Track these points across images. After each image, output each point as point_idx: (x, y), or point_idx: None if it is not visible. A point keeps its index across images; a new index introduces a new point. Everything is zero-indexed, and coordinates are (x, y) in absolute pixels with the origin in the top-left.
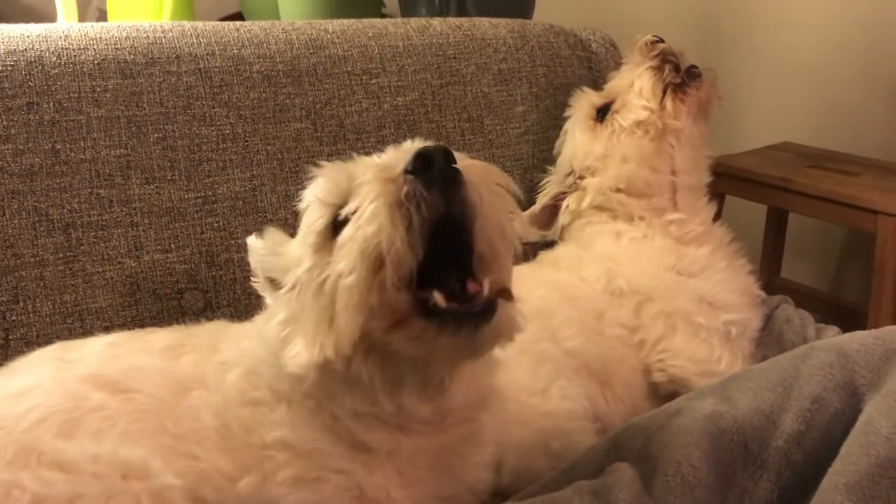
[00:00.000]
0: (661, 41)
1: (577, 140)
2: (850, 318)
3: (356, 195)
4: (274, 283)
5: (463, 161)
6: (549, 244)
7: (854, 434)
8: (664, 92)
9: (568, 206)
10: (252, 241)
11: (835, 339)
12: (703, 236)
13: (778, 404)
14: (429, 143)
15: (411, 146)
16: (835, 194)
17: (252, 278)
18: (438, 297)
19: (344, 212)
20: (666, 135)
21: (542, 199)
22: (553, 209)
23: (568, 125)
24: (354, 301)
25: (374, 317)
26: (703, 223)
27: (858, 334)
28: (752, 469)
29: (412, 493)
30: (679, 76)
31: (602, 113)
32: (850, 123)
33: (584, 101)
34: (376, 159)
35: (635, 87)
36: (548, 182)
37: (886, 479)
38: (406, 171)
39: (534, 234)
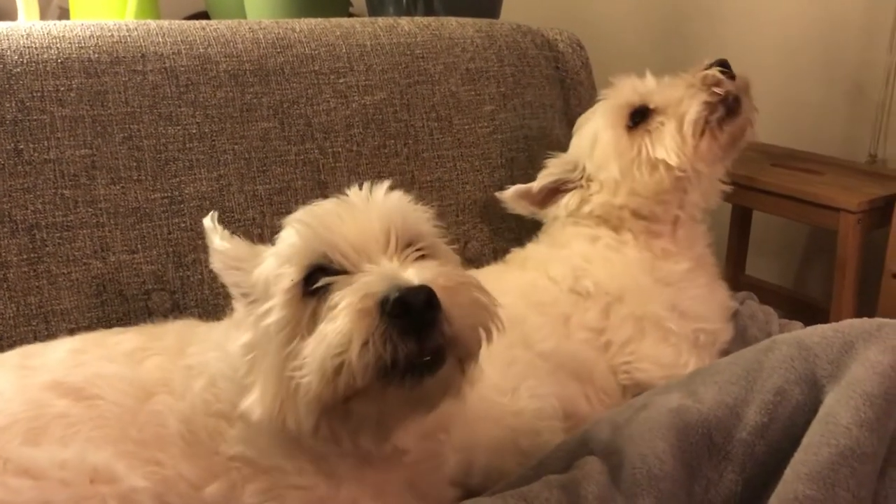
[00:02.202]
0: (729, 74)
1: (599, 141)
2: (813, 313)
3: (333, 294)
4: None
5: (439, 282)
6: (521, 239)
7: (815, 425)
8: (702, 132)
9: (568, 203)
10: (218, 243)
11: (796, 332)
12: (690, 269)
13: (742, 397)
14: (412, 282)
15: (393, 277)
16: (798, 192)
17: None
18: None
19: (320, 282)
20: (689, 177)
21: (543, 181)
22: (550, 192)
23: (599, 109)
24: (311, 397)
25: (331, 395)
26: (692, 258)
27: (819, 328)
28: (717, 461)
29: None
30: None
31: (636, 118)
32: (811, 122)
33: (622, 94)
34: (349, 204)
35: (682, 107)
36: (554, 163)
37: (846, 467)
38: (383, 310)
39: (524, 209)
